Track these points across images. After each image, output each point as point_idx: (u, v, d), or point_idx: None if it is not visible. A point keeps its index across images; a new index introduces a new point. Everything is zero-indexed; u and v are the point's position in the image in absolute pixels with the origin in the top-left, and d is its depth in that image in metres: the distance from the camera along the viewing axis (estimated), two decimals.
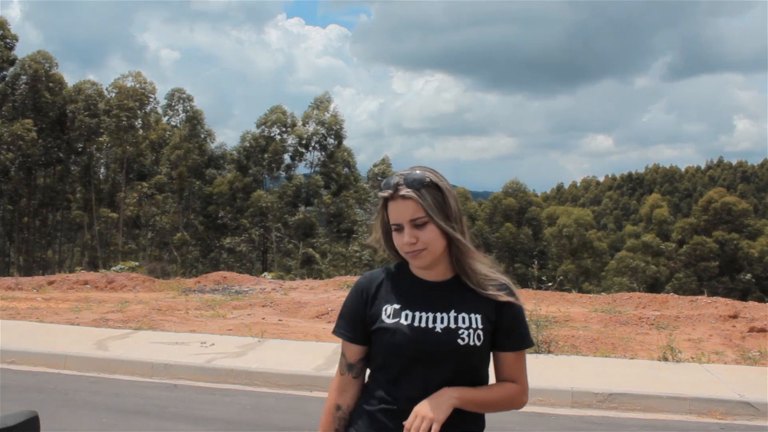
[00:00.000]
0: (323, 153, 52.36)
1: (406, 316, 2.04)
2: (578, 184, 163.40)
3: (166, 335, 9.58)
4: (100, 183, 52.54)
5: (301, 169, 52.98)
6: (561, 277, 20.14)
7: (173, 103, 51.29)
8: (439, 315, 2.02)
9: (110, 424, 6.07)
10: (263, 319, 11.38)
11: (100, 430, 5.91)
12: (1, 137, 45.43)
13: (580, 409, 6.88)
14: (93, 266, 39.88)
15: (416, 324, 2.02)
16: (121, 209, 49.56)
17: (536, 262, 16.81)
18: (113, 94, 49.64)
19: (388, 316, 2.06)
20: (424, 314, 2.04)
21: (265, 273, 24.88)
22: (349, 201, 49.64)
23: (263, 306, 12.86)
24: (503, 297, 2.04)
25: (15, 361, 8.26)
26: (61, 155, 49.89)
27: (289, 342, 9.31)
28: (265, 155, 50.36)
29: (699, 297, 14.25)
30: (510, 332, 2.06)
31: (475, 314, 2.02)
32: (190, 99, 51.57)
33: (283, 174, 52.06)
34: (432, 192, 1.98)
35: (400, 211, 1.98)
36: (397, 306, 2.07)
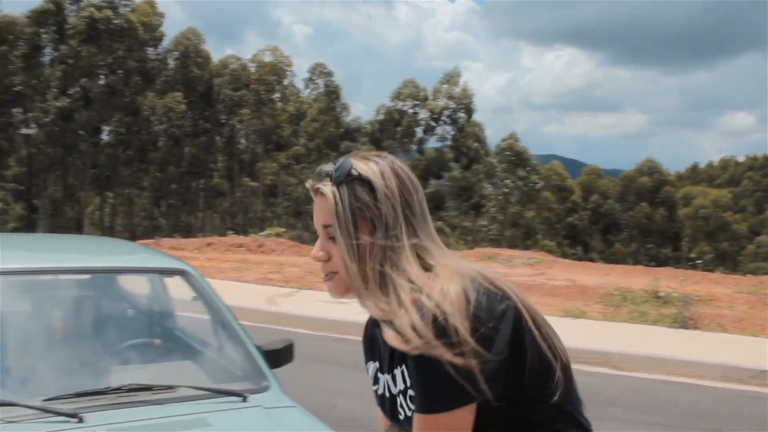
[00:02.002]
0: (453, 127, 52.60)
1: (378, 380, 1.52)
2: (715, 164, 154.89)
3: (326, 295, 10.38)
4: (241, 153, 55.13)
5: (432, 143, 53.50)
6: (704, 257, 19.70)
7: (314, 77, 53.14)
8: (387, 376, 1.46)
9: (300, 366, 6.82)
10: None
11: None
12: (155, 109, 48.57)
13: (730, 383, 6.95)
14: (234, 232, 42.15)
15: (381, 392, 1.50)
16: (260, 178, 51.94)
17: (680, 242, 16.58)
18: (253, 68, 52.05)
19: (372, 380, 1.56)
20: (383, 376, 1.49)
21: None
22: (479, 175, 49.78)
23: None
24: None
25: None
26: (207, 126, 52.81)
27: None
28: (398, 129, 51.24)
29: None
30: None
31: (400, 366, 1.39)
32: (330, 74, 53.27)
33: (414, 147, 52.79)
34: (356, 189, 1.37)
35: (314, 212, 1.45)
36: (374, 363, 1.55)
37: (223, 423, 2.45)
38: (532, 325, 1.33)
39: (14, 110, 47.72)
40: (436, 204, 49.39)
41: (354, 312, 8.05)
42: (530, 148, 52.94)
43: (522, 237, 48.45)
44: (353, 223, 1.35)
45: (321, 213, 1.40)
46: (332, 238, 1.38)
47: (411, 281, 1.31)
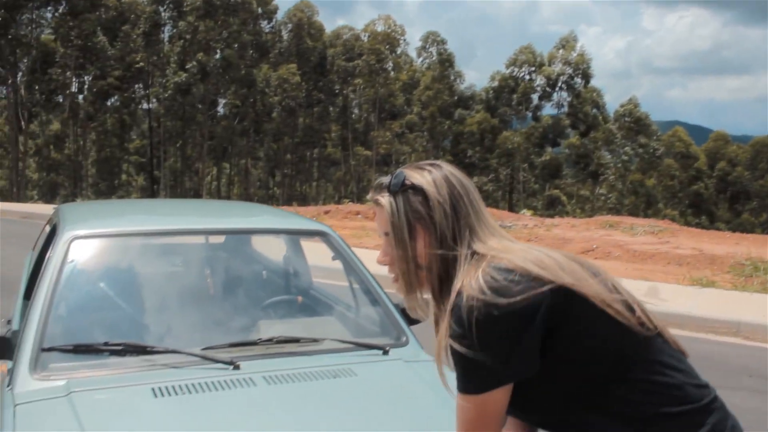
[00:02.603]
0: (570, 93, 51.20)
1: None
2: None
3: None
4: (355, 122, 55.79)
5: (548, 110, 52.36)
6: None
7: (427, 46, 52.95)
8: None
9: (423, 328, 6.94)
10: None
11: None
12: (269, 81, 49.77)
13: None
14: (350, 200, 42.90)
15: None
16: (373, 147, 52.45)
17: None
18: (366, 38, 52.37)
19: None
20: None
21: (524, 210, 25.37)
22: (597, 142, 48.34)
23: (528, 240, 13.39)
24: None
25: None
26: (321, 96, 53.70)
27: None
28: (514, 96, 50.40)
29: None
30: None
31: None
32: (442, 41, 52.88)
33: (530, 114, 51.80)
34: (409, 198, 1.47)
35: (376, 222, 1.57)
36: None
37: (367, 374, 2.54)
38: (596, 298, 1.36)
39: (136, 86, 50.18)
40: (552, 172, 48.43)
41: None
42: (651, 114, 50.92)
43: (642, 206, 46.84)
44: (408, 230, 1.45)
45: (381, 222, 1.51)
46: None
47: (459, 280, 1.39)
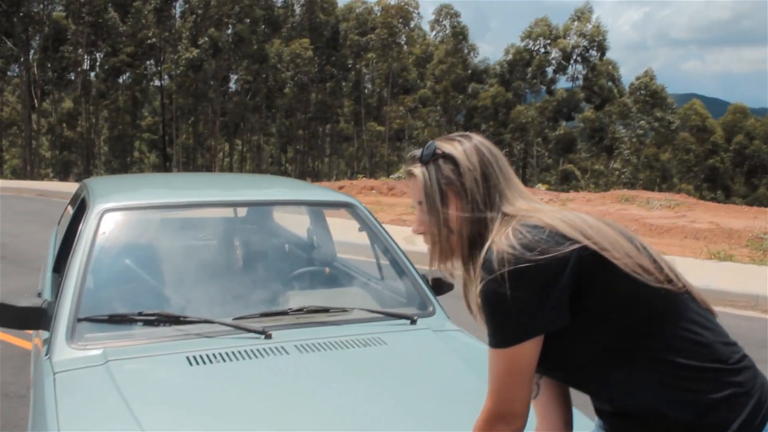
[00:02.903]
0: (585, 66, 50.77)
1: None
2: None
3: None
4: (368, 97, 55.59)
5: (562, 83, 51.95)
6: None
7: (440, 19, 52.53)
8: None
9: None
10: None
11: None
12: (281, 56, 49.60)
13: None
14: (363, 176, 42.88)
15: None
16: (386, 122, 52.32)
17: None
18: (379, 12, 51.99)
19: None
20: None
21: (539, 184, 25.33)
22: (612, 116, 47.99)
23: None
24: None
25: None
26: (334, 71, 53.48)
27: None
28: (528, 69, 50.02)
29: None
30: None
31: None
32: (456, 14, 52.45)
33: (544, 88, 51.43)
34: (441, 166, 1.53)
35: (410, 192, 1.63)
36: None
37: (397, 342, 2.58)
38: (624, 257, 1.39)
39: (148, 63, 50.11)
40: (566, 146, 48.16)
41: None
42: (667, 87, 50.39)
43: (657, 180, 46.56)
44: (441, 197, 1.50)
45: (414, 192, 1.57)
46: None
47: (490, 240, 1.44)
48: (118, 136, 49.15)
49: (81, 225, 2.82)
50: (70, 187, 19.19)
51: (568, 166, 47.58)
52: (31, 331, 3.54)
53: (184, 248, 3.14)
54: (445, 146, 1.53)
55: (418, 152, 1.57)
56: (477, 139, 1.56)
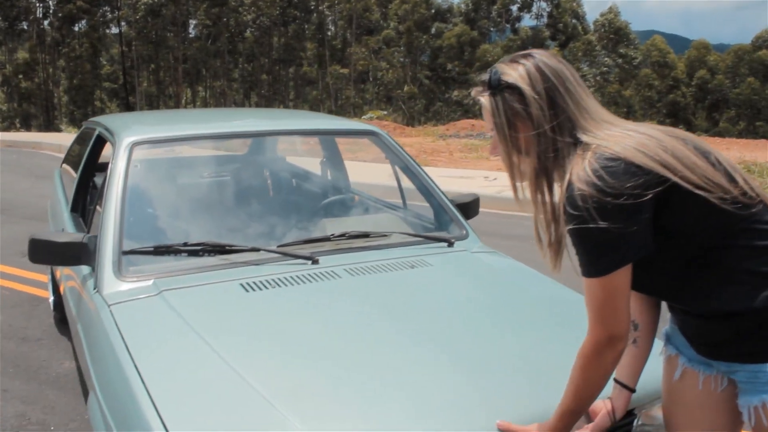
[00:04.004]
0: (549, 3, 50.50)
1: None
2: None
3: (447, 171, 10.51)
4: (331, 40, 54.76)
5: (527, 21, 51.69)
6: None
7: None
8: None
9: None
10: None
11: None
12: None
13: None
14: None
15: None
16: (350, 64, 51.69)
17: None
18: None
19: None
20: None
21: None
22: (577, 54, 47.99)
23: None
24: None
25: None
26: (296, 13, 52.46)
27: None
28: (493, 7, 49.59)
29: None
30: None
31: None
32: None
33: (509, 27, 51.11)
34: (506, 97, 1.52)
35: (484, 118, 1.62)
36: None
37: (441, 263, 2.61)
38: (699, 176, 1.42)
39: (104, 9, 48.56)
40: None
41: (476, 186, 8.11)
42: (630, 24, 50.38)
43: (621, 116, 46.86)
44: (509, 126, 1.51)
45: (485, 118, 1.57)
46: None
47: (564, 170, 1.46)
48: (79, 86, 47.85)
49: (111, 160, 2.76)
50: (40, 137, 18.77)
51: None
52: (59, 273, 3.51)
53: (214, 180, 3.11)
54: (509, 73, 1.50)
55: (484, 77, 1.55)
56: (540, 58, 1.52)
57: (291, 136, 3.36)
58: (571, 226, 1.42)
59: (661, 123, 48.97)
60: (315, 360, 1.87)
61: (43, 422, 3.16)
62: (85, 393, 3.21)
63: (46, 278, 4.71)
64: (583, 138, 1.47)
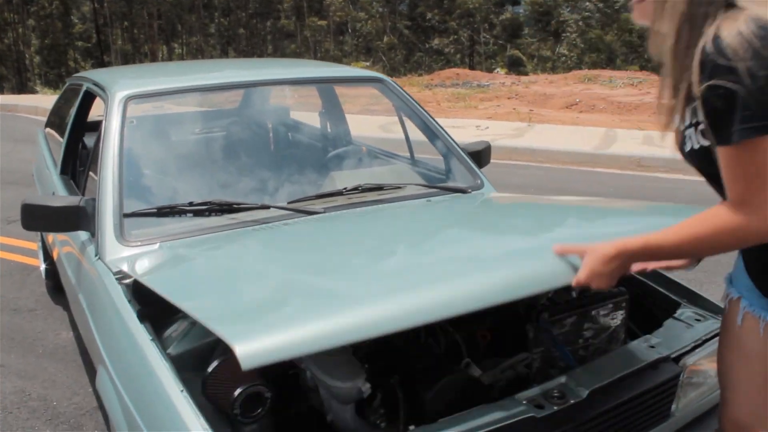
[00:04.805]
0: None
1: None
2: None
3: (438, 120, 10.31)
4: None
5: None
6: None
7: None
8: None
9: None
10: (514, 109, 11.78)
11: None
12: None
13: None
14: None
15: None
16: (328, 16, 50.80)
17: None
18: None
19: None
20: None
21: (497, 69, 25.10)
22: None
23: (509, 98, 13.26)
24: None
25: None
26: None
27: (557, 126, 9.73)
28: None
29: None
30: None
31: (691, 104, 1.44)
32: None
33: None
34: None
35: None
36: None
37: (460, 201, 2.51)
38: None
39: None
40: (513, 32, 47.70)
41: (469, 135, 7.97)
42: None
43: (604, 62, 46.62)
44: None
45: None
46: None
47: (711, 27, 1.34)
48: (51, 46, 46.70)
49: (104, 117, 2.57)
50: (15, 99, 18.27)
51: (514, 52, 47.15)
52: (50, 238, 3.33)
53: (215, 135, 2.93)
54: None
55: None
56: None
57: (291, 86, 3.17)
58: (714, 80, 1.29)
59: (643, 68, 48.87)
60: (348, 255, 1.95)
61: (44, 397, 3.03)
62: (89, 366, 3.08)
63: (35, 246, 4.52)
64: (738, 2, 1.35)
